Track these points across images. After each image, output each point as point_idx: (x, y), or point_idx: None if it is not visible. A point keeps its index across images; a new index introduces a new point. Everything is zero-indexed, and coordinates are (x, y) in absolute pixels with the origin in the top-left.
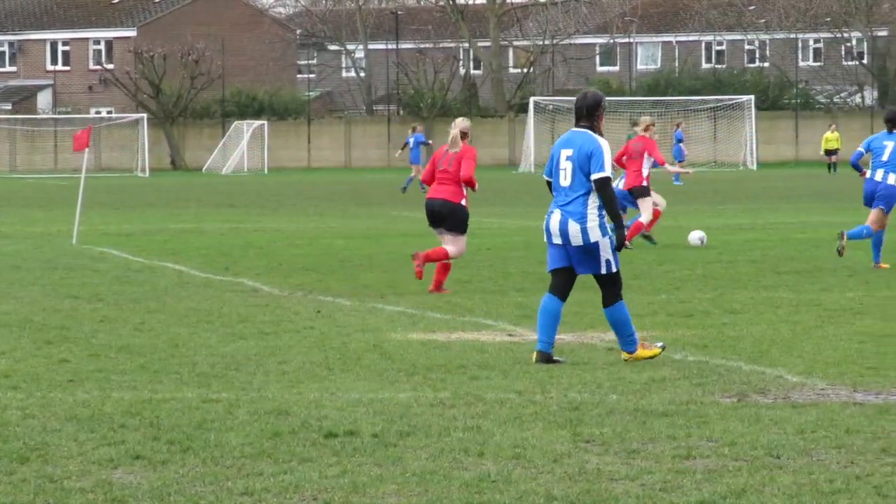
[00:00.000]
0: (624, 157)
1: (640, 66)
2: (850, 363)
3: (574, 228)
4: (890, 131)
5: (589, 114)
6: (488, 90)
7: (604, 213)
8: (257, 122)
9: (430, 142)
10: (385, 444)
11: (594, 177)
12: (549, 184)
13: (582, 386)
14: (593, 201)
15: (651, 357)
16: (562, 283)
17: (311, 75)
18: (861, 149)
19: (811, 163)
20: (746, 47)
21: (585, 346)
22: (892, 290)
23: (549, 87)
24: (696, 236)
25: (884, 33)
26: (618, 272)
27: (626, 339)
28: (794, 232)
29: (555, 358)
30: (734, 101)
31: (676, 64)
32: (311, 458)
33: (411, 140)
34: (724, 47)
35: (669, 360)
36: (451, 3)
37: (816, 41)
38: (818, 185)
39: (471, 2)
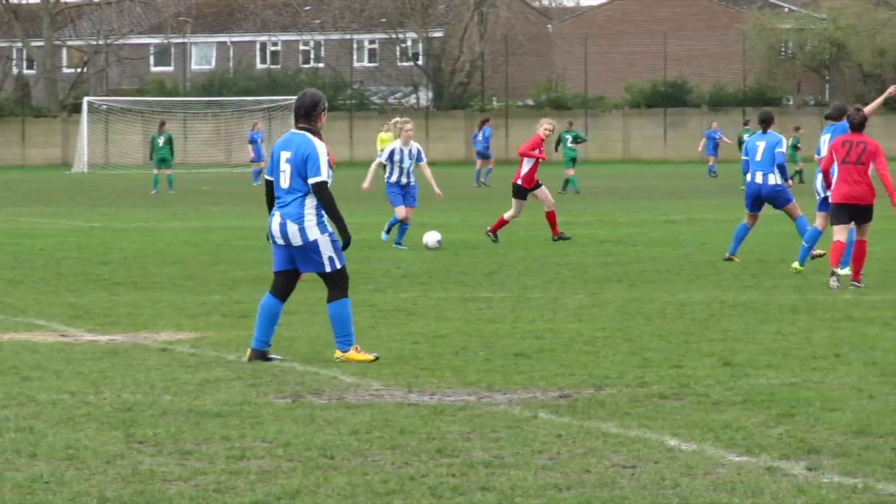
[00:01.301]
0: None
1: (194, 67)
2: (405, 364)
3: (293, 229)
4: (764, 131)
5: (307, 114)
6: (42, 90)
7: (322, 212)
8: None
9: None
10: None
11: (311, 181)
12: (268, 183)
13: (135, 387)
14: (311, 201)
15: (361, 361)
16: (282, 285)
17: None
18: (745, 157)
19: (365, 163)
20: (302, 48)
21: (139, 347)
22: (447, 292)
23: (103, 87)
24: (433, 238)
25: (439, 34)
26: (342, 269)
27: (342, 338)
28: None
29: (270, 356)
30: (289, 102)
31: (231, 64)
32: None
33: None
34: (279, 48)
35: (224, 361)
36: (4, 2)
37: (372, 42)
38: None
39: (24, 1)
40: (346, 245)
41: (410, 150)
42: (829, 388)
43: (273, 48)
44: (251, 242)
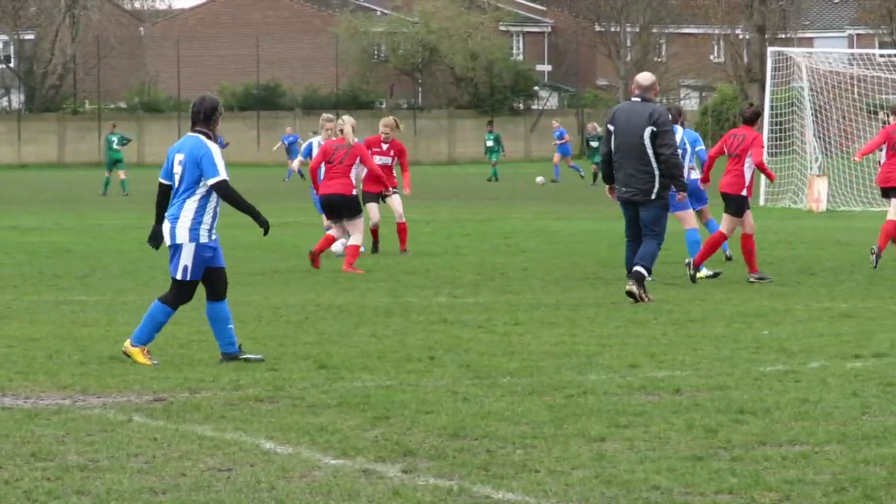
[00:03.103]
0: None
1: None
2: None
3: (167, 227)
4: (681, 124)
5: (206, 118)
6: None
7: (202, 219)
8: None
9: None
10: None
11: (210, 182)
12: (161, 186)
13: None
14: (191, 205)
15: (139, 363)
16: (209, 287)
17: None
18: None
19: None
20: None
21: None
22: (40, 295)
23: None
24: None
25: (30, 37)
26: (188, 284)
27: (139, 334)
28: None
29: (242, 355)
30: None
31: None
32: None
33: None
34: None
35: None
36: None
37: None
38: None
39: None
40: (265, 229)
41: None
42: (424, 391)
43: None
44: None
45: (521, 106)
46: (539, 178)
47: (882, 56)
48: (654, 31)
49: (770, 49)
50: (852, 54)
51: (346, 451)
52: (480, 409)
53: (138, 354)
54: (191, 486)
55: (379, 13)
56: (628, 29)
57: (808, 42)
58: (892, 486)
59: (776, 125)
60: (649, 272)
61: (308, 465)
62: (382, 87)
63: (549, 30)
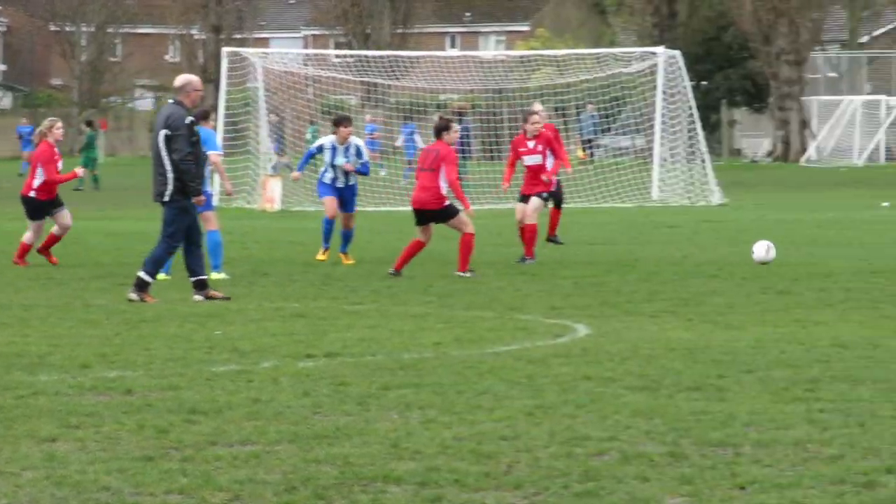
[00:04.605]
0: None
1: None
2: None
3: None
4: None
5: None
6: None
7: None
8: None
9: None
10: None
11: None
12: None
13: None
14: None
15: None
16: None
17: None
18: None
19: None
20: None
21: None
22: None
23: None
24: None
25: None
26: None
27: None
28: None
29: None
30: None
31: None
32: None
33: None
34: None
35: None
36: None
37: None
38: None
39: None
40: None
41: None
42: None
43: None
44: None
45: None
46: None
47: (337, 57)
48: (110, 30)
49: (225, 49)
50: (308, 55)
51: None
52: None
53: None
54: None
55: None
56: (84, 29)
57: (265, 42)
58: (342, 484)
59: (231, 126)
60: (153, 276)
61: None
62: None
63: (5, 29)
